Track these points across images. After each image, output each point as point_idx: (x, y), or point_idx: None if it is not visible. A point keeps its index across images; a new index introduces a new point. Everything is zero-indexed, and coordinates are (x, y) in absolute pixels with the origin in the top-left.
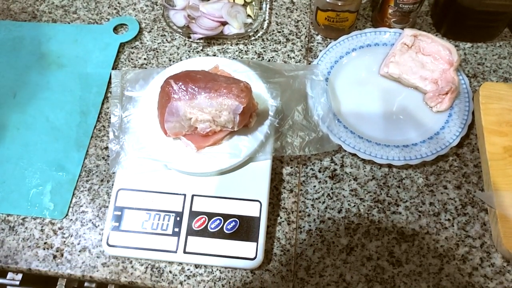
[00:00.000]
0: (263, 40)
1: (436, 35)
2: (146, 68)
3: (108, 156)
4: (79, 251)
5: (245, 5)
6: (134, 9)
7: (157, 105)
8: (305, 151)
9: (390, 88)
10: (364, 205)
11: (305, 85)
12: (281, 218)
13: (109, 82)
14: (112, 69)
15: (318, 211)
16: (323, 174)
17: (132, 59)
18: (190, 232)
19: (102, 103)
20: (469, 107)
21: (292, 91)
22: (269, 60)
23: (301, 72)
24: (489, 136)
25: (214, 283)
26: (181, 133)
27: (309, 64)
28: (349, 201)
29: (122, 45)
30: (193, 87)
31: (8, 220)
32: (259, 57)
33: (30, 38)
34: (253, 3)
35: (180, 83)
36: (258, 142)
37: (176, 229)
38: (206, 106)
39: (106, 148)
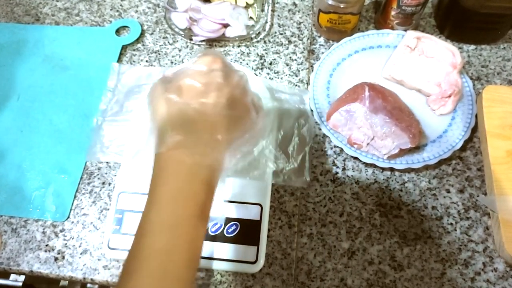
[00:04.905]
0: (265, 42)
1: (440, 37)
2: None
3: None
4: (81, 254)
5: (247, 7)
6: (136, 11)
7: (342, 96)
8: (275, 181)
9: (393, 90)
10: (366, 209)
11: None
12: (282, 221)
13: None
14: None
15: (320, 214)
16: (324, 177)
17: (134, 61)
18: None
19: None
20: (473, 110)
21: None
22: (271, 63)
23: (289, 97)
24: (492, 139)
25: (215, 286)
26: (337, 126)
27: (311, 66)
28: (351, 204)
29: (124, 47)
30: (380, 103)
31: (10, 222)
32: (261, 59)
33: (34, 40)
34: (255, 5)
35: (372, 93)
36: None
37: None
38: (378, 125)
39: None
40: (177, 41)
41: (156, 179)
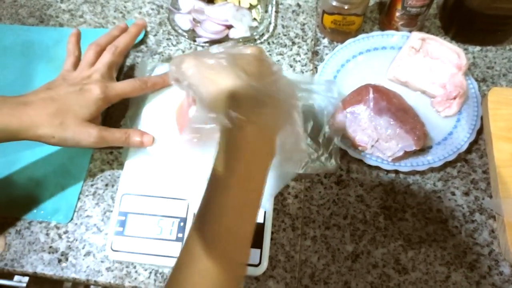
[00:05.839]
0: (268, 43)
1: (445, 38)
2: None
3: (112, 160)
4: (84, 256)
5: (250, 8)
6: (140, 12)
7: (346, 98)
8: (305, 170)
9: (397, 92)
10: (370, 212)
11: (315, 101)
12: (285, 224)
13: None
14: (119, 73)
15: (323, 217)
16: (328, 180)
17: (137, 62)
18: None
19: (108, 108)
20: (478, 112)
21: (303, 107)
22: None
23: (316, 87)
24: (497, 142)
25: None
26: (343, 129)
27: (315, 67)
28: (355, 207)
29: None
30: (385, 105)
31: (14, 224)
32: None
33: (38, 42)
34: (259, 6)
35: (377, 95)
36: None
37: (180, 235)
38: (383, 127)
39: (111, 152)
40: (181, 42)
41: (236, 153)
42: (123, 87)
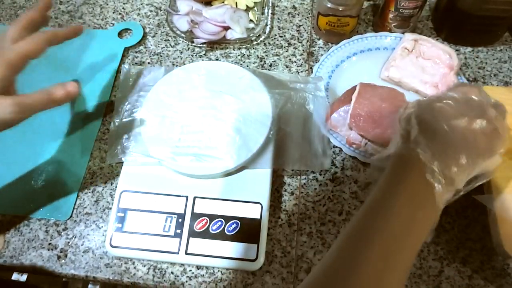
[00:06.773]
0: (265, 44)
1: (437, 39)
2: (153, 66)
3: None
4: (83, 252)
5: (247, 10)
6: (139, 14)
7: (340, 97)
8: (296, 166)
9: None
10: None
11: (306, 99)
12: (282, 220)
13: (114, 86)
14: (117, 72)
15: (319, 213)
16: (323, 177)
17: (136, 63)
18: (192, 233)
19: (107, 106)
20: None
21: (293, 104)
22: (270, 65)
23: (303, 85)
24: None
25: (216, 284)
26: (336, 127)
27: (311, 68)
28: (350, 203)
29: (126, 50)
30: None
31: (13, 221)
32: (261, 61)
33: None
34: (255, 8)
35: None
36: (253, 151)
37: (178, 231)
38: None
39: None
40: (179, 43)
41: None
42: (24, 45)
